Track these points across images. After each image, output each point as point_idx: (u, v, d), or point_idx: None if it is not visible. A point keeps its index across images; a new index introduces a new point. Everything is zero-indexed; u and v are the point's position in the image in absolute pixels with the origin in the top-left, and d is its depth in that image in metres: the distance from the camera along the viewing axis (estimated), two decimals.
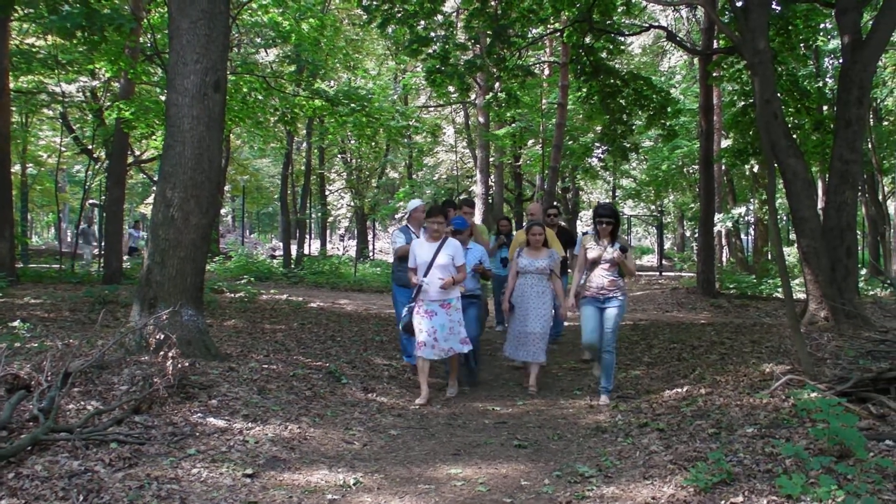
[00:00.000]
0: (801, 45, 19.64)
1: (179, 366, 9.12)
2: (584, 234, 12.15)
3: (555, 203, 20.87)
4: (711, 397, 9.52)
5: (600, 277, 10.54)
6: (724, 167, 29.53)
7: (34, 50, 23.24)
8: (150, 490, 6.42)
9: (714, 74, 22.16)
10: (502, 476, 7.64)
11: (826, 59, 27.75)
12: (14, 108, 25.18)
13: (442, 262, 10.78)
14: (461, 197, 28.86)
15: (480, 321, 12.40)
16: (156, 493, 6.39)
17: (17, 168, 31.63)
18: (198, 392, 9.22)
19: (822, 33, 22.57)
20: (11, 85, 21.61)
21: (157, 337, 9.63)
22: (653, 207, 46.57)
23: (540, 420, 9.92)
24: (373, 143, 31.43)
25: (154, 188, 13.86)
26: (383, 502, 6.88)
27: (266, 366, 11.29)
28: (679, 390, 10.27)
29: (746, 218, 33.05)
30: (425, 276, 10.75)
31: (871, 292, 23.14)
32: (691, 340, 13.91)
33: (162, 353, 9.28)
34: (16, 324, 12.65)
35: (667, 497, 6.56)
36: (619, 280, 10.57)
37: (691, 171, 32.99)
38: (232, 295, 21.06)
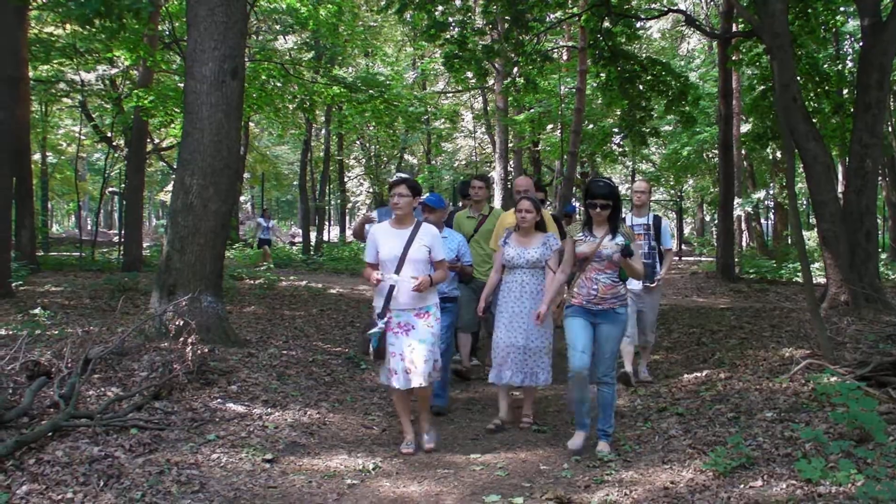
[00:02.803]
0: (821, 27, 19.52)
1: (199, 352, 9.16)
2: (566, 214, 11.25)
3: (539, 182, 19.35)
4: (731, 382, 9.49)
5: (593, 281, 7.62)
6: (743, 152, 29.42)
7: (53, 39, 23.27)
8: (169, 475, 6.46)
9: (733, 58, 22.06)
10: (521, 460, 7.66)
11: (846, 42, 27.55)
12: (33, 98, 25.32)
13: (416, 256, 7.81)
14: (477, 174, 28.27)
15: (449, 334, 9.54)
16: (176, 479, 6.43)
17: (37, 157, 31.78)
18: (217, 378, 9.26)
19: (841, 15, 22.40)
20: (31, 74, 21.69)
21: (177, 323, 9.65)
22: (672, 192, 46.45)
23: (559, 405, 9.92)
24: (391, 130, 31.36)
25: (173, 176, 13.90)
26: (402, 487, 6.90)
27: (285, 352, 11.32)
28: (698, 375, 10.24)
29: (766, 202, 32.89)
30: (396, 272, 7.79)
31: (892, 276, 23.03)
32: (711, 325, 13.88)
33: (181, 339, 9.31)
34: (36, 311, 12.71)
35: (686, 481, 6.56)
36: (620, 286, 7.71)
37: (711, 155, 32.88)
38: (251, 281, 21.11)
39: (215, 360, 9.74)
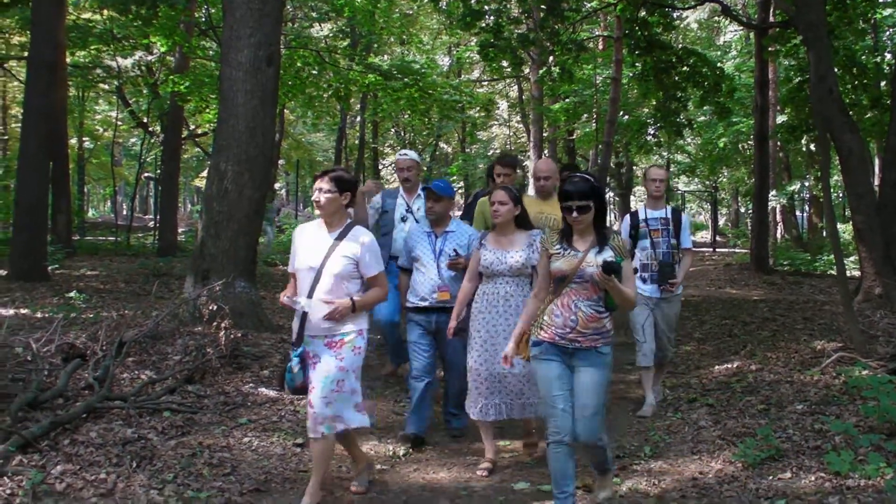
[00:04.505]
0: (860, 18, 19.34)
1: (232, 336, 9.25)
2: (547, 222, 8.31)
3: (576, 166, 17.59)
4: (762, 374, 9.47)
5: (571, 309, 5.59)
6: (779, 143, 29.23)
7: (90, 25, 23.48)
8: (201, 458, 6.53)
9: (770, 49, 21.91)
10: None
11: (885, 33, 27.29)
12: (71, 83, 25.47)
13: (336, 270, 6.01)
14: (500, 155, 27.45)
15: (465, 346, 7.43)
16: (207, 461, 6.50)
17: (73, 142, 32.00)
18: (250, 363, 9.35)
19: (880, 5, 22.16)
20: (68, 60, 21.85)
21: (210, 308, 9.74)
22: (707, 183, 46.22)
23: None
24: (426, 118, 31.37)
25: (209, 162, 14.01)
26: (431, 473, 6.96)
27: None
28: (729, 366, 10.21)
29: (802, 194, 32.70)
30: (310, 292, 6.02)
31: None
32: (743, 317, 13.83)
33: (215, 323, 9.41)
34: (72, 294, 12.84)
35: (714, 472, 6.59)
36: (605, 317, 5.65)
37: (746, 146, 32.69)
38: (284, 268, 21.21)
39: (248, 345, 9.84)
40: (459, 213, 10.95)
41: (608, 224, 5.96)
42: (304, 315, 6.01)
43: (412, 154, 9.87)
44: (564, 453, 5.56)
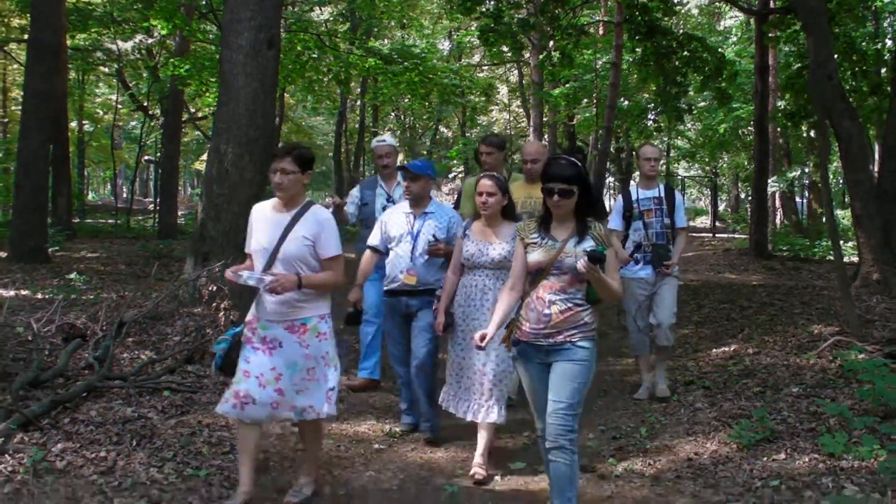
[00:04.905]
0: (860, 5, 19.33)
1: (231, 317, 9.27)
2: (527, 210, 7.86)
3: (579, 149, 17.06)
4: (759, 357, 9.53)
5: (545, 303, 5.24)
6: (779, 129, 29.23)
7: (90, 8, 23.46)
8: (201, 437, 6.60)
9: (770, 35, 21.89)
10: None
11: (886, 20, 27.25)
12: (71, 66, 25.48)
13: (291, 251, 5.66)
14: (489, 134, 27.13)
15: (435, 338, 7.25)
16: (206, 440, 6.57)
17: (73, 125, 32.02)
18: None
19: None
20: (68, 43, 21.87)
21: (210, 289, 9.77)
22: (707, 169, 46.24)
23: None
24: (426, 102, 31.36)
25: (209, 145, 14.05)
26: (429, 452, 7.03)
27: None
28: (726, 349, 10.26)
29: (802, 180, 32.69)
30: (264, 271, 5.67)
31: None
32: (741, 301, 13.86)
33: (214, 305, 9.45)
34: (72, 276, 12.89)
35: (709, 453, 6.65)
36: (584, 311, 5.27)
37: (746, 132, 32.70)
38: None
39: None
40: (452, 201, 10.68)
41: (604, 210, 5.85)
42: (257, 296, 5.75)
43: (390, 139, 9.50)
44: (567, 461, 5.18)
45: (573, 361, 5.18)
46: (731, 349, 10.22)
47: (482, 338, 5.35)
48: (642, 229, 8.62)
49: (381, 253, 7.50)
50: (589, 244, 5.17)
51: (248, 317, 5.87)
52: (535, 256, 5.27)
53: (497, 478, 6.46)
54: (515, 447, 7.29)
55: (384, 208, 8.61)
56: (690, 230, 21.93)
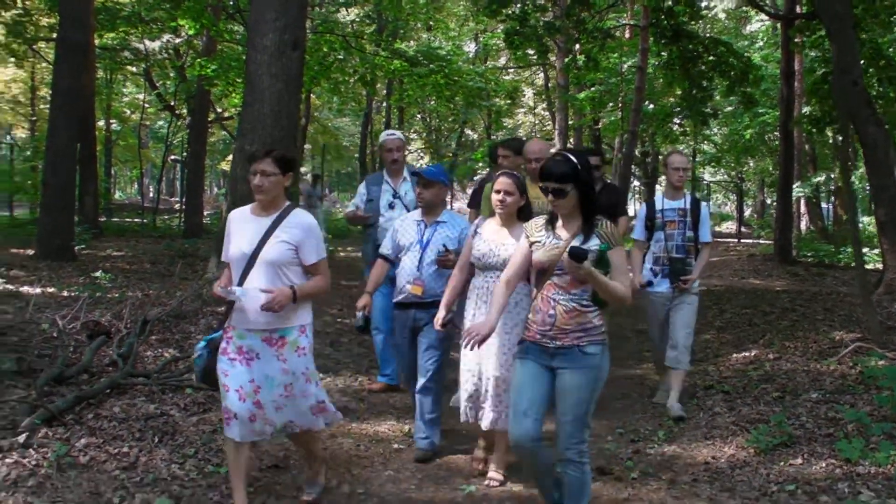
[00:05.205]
0: (886, 11, 19.25)
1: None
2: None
3: (597, 148, 16.53)
4: (779, 362, 9.52)
5: (550, 303, 5.06)
6: (804, 135, 29.13)
7: (118, 7, 23.62)
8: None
9: (796, 40, 21.85)
10: None
11: None
12: (99, 65, 25.64)
13: (272, 256, 5.39)
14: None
15: (446, 348, 7.04)
16: None
17: (101, 124, 32.23)
18: None
19: None
20: (96, 42, 22.02)
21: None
22: (733, 174, 46.07)
23: (608, 379, 9.92)
24: (451, 105, 31.38)
25: (234, 145, 14.13)
26: (446, 453, 7.05)
27: (340, 320, 11.52)
28: (747, 354, 10.25)
29: (828, 186, 32.53)
30: (240, 282, 5.42)
31: None
32: (764, 306, 13.83)
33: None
34: (98, 274, 12.98)
35: (727, 457, 6.67)
36: (592, 312, 5.05)
37: (772, 137, 32.58)
38: None
39: None
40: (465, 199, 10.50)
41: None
42: (233, 304, 5.37)
43: (400, 133, 9.09)
44: (529, 455, 5.11)
45: (580, 370, 4.97)
46: (752, 354, 10.21)
47: (481, 339, 5.18)
48: (663, 241, 8.28)
49: (392, 262, 7.27)
50: (594, 242, 4.96)
51: (225, 324, 5.52)
52: (539, 255, 5.11)
53: (514, 479, 6.48)
54: None
55: (390, 205, 8.56)
56: (716, 235, 21.71)
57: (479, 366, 6.37)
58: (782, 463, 6.35)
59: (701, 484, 6.17)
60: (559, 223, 5.15)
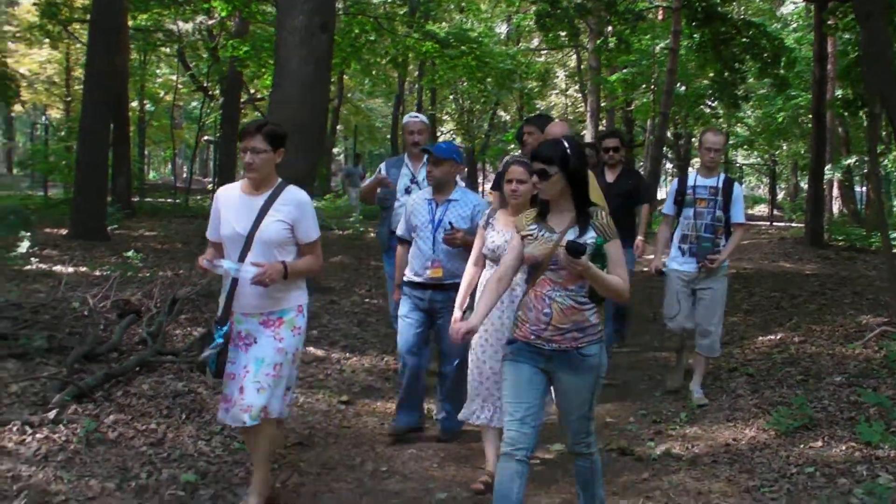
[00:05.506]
0: None
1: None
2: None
3: (617, 130, 15.99)
4: (804, 346, 9.52)
5: (544, 301, 4.74)
6: (837, 118, 28.95)
7: None
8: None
9: (829, 22, 21.71)
10: None
11: None
12: (132, 46, 25.82)
13: (268, 236, 5.22)
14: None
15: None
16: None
17: (135, 105, 32.44)
18: None
19: None
20: (130, 23, 22.19)
21: None
22: (766, 157, 45.82)
23: (632, 362, 9.99)
24: (482, 87, 31.33)
25: None
26: (470, 434, 7.11)
27: (367, 300, 11.62)
28: (773, 338, 10.24)
29: (862, 169, 32.29)
30: (240, 260, 5.21)
31: None
32: (792, 290, 13.80)
33: None
34: (129, 254, 13.13)
35: (747, 439, 6.71)
36: (589, 310, 4.76)
37: (806, 120, 32.38)
38: (340, 232, 21.46)
39: None
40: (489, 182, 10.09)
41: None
42: (233, 289, 5.21)
43: (423, 116, 8.65)
44: (513, 471, 4.66)
45: (578, 374, 4.74)
46: (778, 337, 10.20)
47: (468, 330, 4.89)
48: (692, 218, 7.95)
49: (411, 242, 6.92)
50: (590, 235, 4.64)
51: (219, 314, 5.33)
52: (531, 250, 4.76)
53: (536, 459, 6.53)
54: (555, 429, 7.33)
55: (407, 190, 8.11)
56: (748, 218, 21.54)
57: (488, 364, 6.04)
58: (802, 445, 6.37)
59: (720, 465, 6.22)
60: (550, 215, 4.82)
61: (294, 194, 5.27)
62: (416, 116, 8.49)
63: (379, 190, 8.40)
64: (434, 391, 7.40)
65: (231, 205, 5.30)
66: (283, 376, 5.25)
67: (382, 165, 8.65)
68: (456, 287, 6.27)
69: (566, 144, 4.73)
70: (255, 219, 5.15)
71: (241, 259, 5.14)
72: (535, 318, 4.71)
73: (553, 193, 4.70)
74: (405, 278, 6.89)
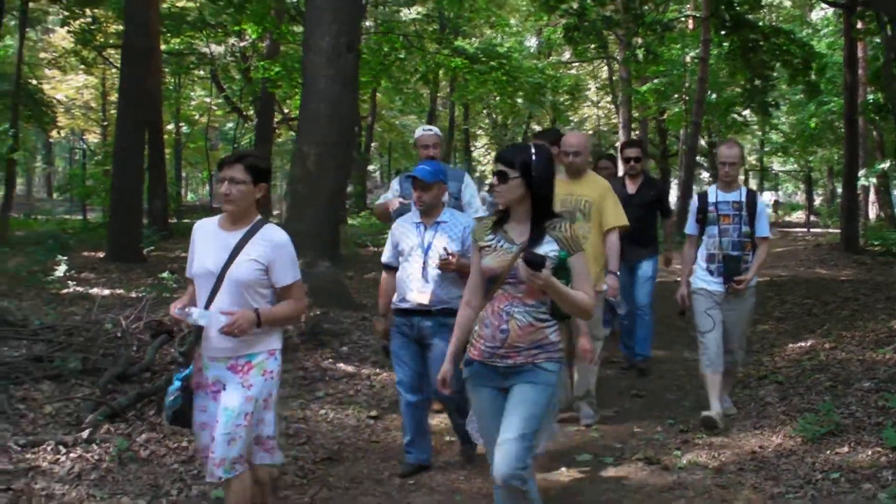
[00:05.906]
0: None
1: (312, 314, 9.55)
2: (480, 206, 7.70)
3: (637, 141, 15.32)
4: (834, 352, 9.49)
5: (501, 316, 4.44)
6: (871, 123, 28.79)
7: (184, 13, 24.04)
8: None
9: (858, 27, 21.63)
10: (615, 424, 7.81)
11: None
12: (167, 69, 26.12)
13: (239, 276, 4.71)
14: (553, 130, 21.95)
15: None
16: (283, 432, 6.82)
17: (171, 127, 32.77)
18: (330, 339, 9.67)
19: None
20: (163, 47, 22.46)
21: None
22: (802, 163, 45.62)
23: (661, 370, 10.00)
24: (511, 101, 31.39)
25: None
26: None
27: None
28: (803, 345, 10.21)
29: (895, 174, 32.04)
30: (207, 303, 4.75)
31: None
32: (825, 296, 13.75)
33: None
34: (164, 275, 13.28)
35: (774, 446, 6.72)
36: (549, 327, 4.47)
37: (839, 126, 32.23)
38: (375, 249, 21.55)
39: (329, 323, 10.15)
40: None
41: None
42: (199, 330, 4.70)
43: (436, 129, 8.14)
44: (513, 497, 4.39)
45: (533, 383, 4.39)
46: (808, 344, 10.17)
47: (444, 382, 4.74)
48: (717, 236, 7.52)
49: (397, 269, 6.55)
50: (552, 248, 4.37)
51: (182, 355, 4.93)
52: (489, 262, 4.47)
53: (563, 469, 6.58)
54: (583, 440, 7.40)
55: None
56: (785, 225, 21.30)
57: None
58: (828, 451, 6.38)
59: (746, 472, 6.23)
60: (511, 225, 4.52)
61: (272, 233, 4.81)
62: (430, 129, 8.05)
63: (397, 206, 7.77)
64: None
65: (205, 240, 4.86)
66: (254, 423, 4.76)
67: (395, 181, 8.16)
68: (444, 312, 6.13)
69: (532, 150, 4.46)
70: (227, 256, 4.70)
71: (211, 299, 4.71)
72: (490, 336, 4.43)
73: (511, 199, 4.42)
74: (393, 306, 6.55)
